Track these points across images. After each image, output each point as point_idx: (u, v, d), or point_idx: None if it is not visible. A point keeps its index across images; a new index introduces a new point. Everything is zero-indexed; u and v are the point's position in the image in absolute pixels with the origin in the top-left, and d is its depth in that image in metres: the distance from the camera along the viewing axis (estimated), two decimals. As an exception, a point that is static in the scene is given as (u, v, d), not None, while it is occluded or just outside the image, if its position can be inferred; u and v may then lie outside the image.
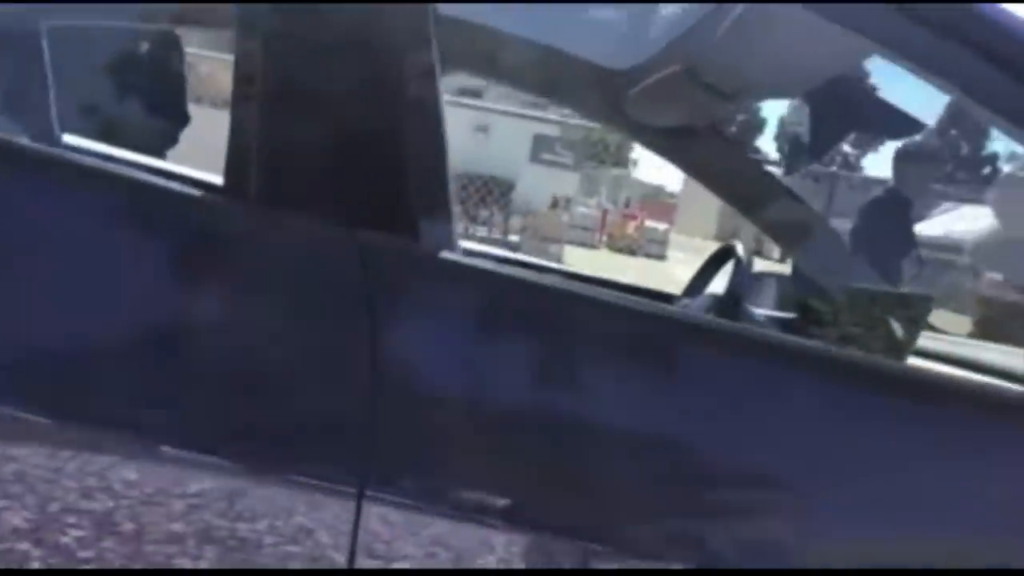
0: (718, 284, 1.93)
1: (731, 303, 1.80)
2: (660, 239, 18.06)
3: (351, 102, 0.94)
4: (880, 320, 1.60)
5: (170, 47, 3.22)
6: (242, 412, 0.88)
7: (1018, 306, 4.38)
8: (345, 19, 0.96)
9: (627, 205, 21.02)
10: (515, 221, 14.65)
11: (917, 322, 1.54)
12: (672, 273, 15.11)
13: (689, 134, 1.96)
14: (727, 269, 1.92)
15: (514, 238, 13.58)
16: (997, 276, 4.44)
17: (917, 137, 3.99)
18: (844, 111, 1.67)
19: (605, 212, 18.53)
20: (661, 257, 17.36)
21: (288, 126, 0.94)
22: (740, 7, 1.34)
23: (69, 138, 2.15)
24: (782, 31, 1.36)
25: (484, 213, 14.88)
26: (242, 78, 0.94)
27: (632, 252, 17.21)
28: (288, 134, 0.93)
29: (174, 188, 0.96)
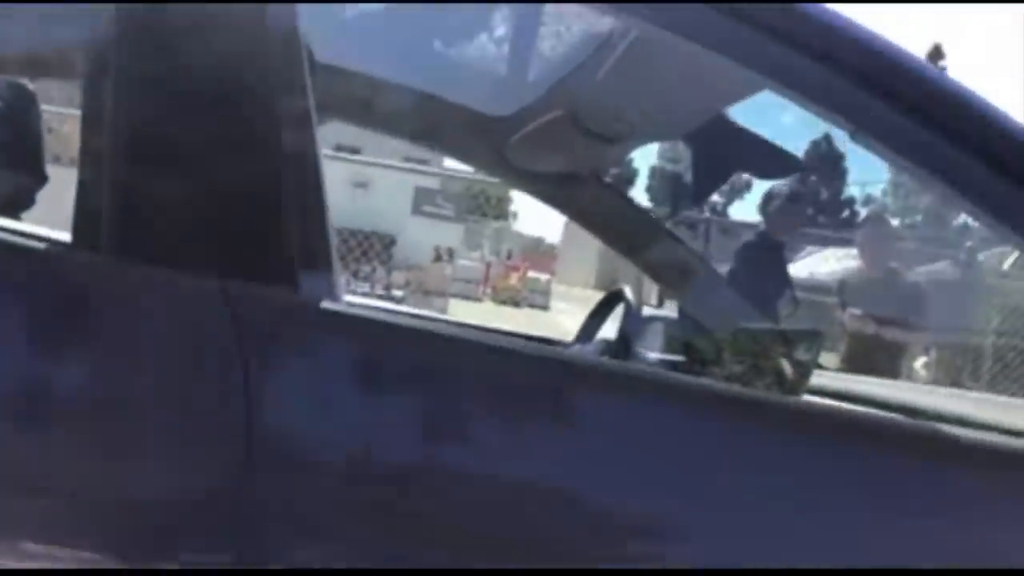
0: (608, 329, 1.91)
1: (622, 347, 1.79)
2: (543, 289, 18.26)
3: (220, 152, 0.87)
4: (770, 358, 1.60)
5: (25, 102, 3.05)
6: (103, 490, 0.79)
7: (881, 338, 4.58)
8: (216, 64, 0.89)
9: (509, 257, 21.19)
10: (398, 276, 14.57)
11: (810, 359, 1.54)
12: (557, 322, 15.25)
13: (572, 180, 1.95)
14: (616, 314, 1.91)
15: (398, 293, 13.47)
16: (857, 311, 4.65)
17: (783, 181, 4.13)
18: (726, 153, 1.69)
19: (488, 264, 18.63)
20: (545, 308, 17.54)
21: (147, 177, 0.86)
22: (621, 48, 1.33)
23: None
24: (662, 68, 1.36)
25: (366, 268, 14.74)
26: (93, 123, 0.87)
27: (516, 304, 17.31)
28: (146, 185, 0.86)
29: (20, 243, 0.87)
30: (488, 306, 16.61)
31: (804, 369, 1.54)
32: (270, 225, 0.88)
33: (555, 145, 1.83)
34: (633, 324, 1.79)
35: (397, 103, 1.87)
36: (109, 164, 0.85)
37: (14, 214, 3.08)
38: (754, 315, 2.20)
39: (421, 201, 14.39)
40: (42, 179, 3.15)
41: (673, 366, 1.94)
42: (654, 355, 1.90)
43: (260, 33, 0.89)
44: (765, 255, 4.04)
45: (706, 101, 1.50)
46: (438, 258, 14.94)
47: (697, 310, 2.05)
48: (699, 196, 1.98)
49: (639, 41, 1.30)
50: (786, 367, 1.63)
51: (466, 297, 15.76)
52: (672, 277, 2.02)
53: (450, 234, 14.45)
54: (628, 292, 1.84)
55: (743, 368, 1.76)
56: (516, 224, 26.45)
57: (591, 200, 2.00)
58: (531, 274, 18.73)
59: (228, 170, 0.88)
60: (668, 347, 2.09)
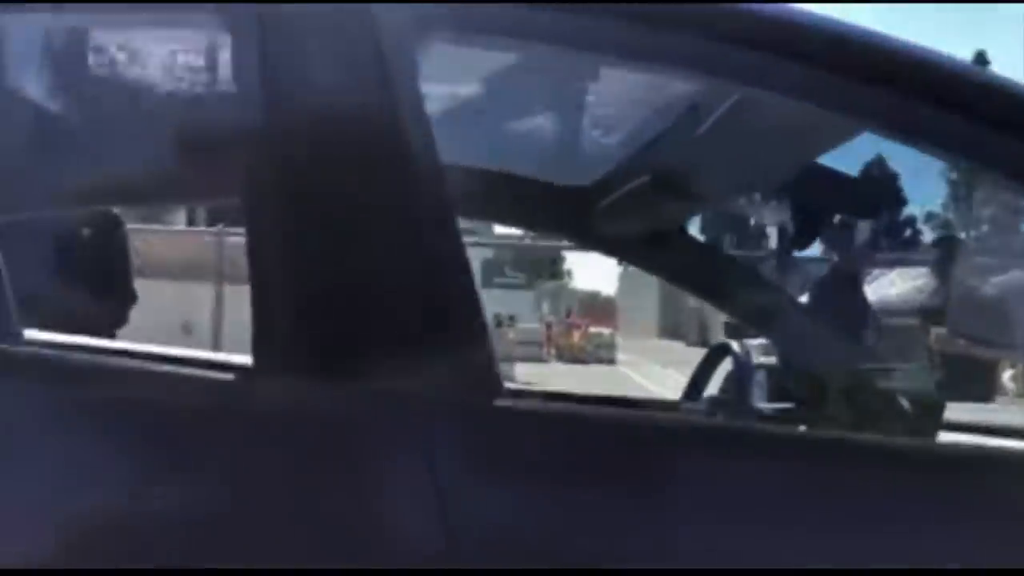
0: (715, 384, 1.92)
1: (736, 400, 1.79)
2: (607, 343, 18.17)
3: (395, 265, 0.91)
4: (891, 399, 1.59)
5: (112, 227, 3.18)
6: None
7: (971, 356, 4.49)
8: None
9: (568, 315, 21.18)
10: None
11: (933, 393, 1.53)
12: (625, 376, 15.15)
13: (660, 240, 1.98)
14: (722, 367, 1.92)
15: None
16: (942, 331, 4.54)
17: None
18: (826, 196, 1.70)
19: (549, 324, 18.63)
20: (611, 362, 17.42)
21: (327, 295, 0.90)
22: (720, 111, 1.36)
23: (30, 333, 2.08)
24: (763, 126, 1.38)
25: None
26: (261, 245, 0.91)
27: (582, 361, 17.24)
28: (326, 303, 0.90)
29: (192, 373, 0.91)
30: (555, 366, 16.57)
31: (933, 405, 1.52)
32: (443, 328, 0.91)
33: (642, 208, 1.85)
34: (745, 377, 1.80)
35: (478, 187, 1.92)
36: (284, 286, 0.89)
37: (110, 333, 3.20)
38: (852, 351, 2.17)
39: (491, 274, 14.49)
40: (132, 298, 3.27)
41: (785, 414, 1.93)
42: (768, 406, 1.90)
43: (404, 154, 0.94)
44: (843, 287, 4.00)
45: (805, 151, 1.52)
46: (499, 324, 14.99)
47: (796, 352, 2.05)
48: (803, 241, 1.99)
49: (740, 104, 1.33)
50: (906, 405, 1.61)
51: (531, 360, 15.73)
52: (768, 322, 2.02)
53: (522, 302, 14.47)
54: (735, 345, 1.85)
55: (861, 410, 1.74)
56: (572, 282, 26.49)
57: (680, 256, 2.01)
58: (593, 329, 18.68)
59: (403, 280, 0.91)
60: (772, 394, 2.08)
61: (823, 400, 1.88)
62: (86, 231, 2.90)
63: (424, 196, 0.93)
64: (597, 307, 22.59)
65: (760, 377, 2.05)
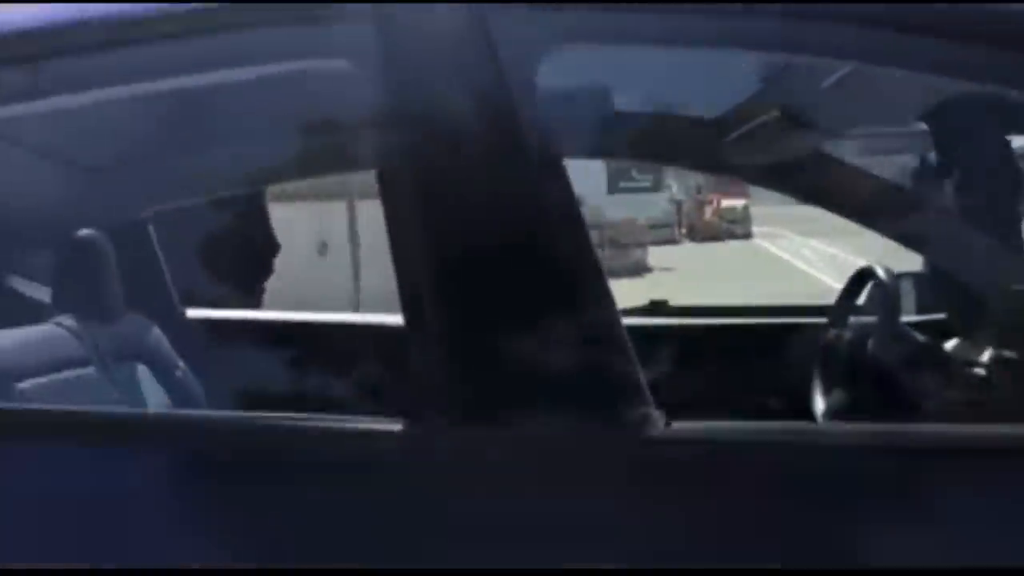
0: (863, 305, 1.87)
1: (887, 328, 1.74)
2: (741, 217, 17.59)
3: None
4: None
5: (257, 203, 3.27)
6: None
7: None
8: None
9: (699, 191, 20.71)
10: (594, 235, 14.50)
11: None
12: (764, 250, 14.78)
13: (797, 165, 1.92)
14: (867, 289, 1.86)
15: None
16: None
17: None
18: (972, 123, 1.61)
19: (679, 204, 18.24)
20: (747, 236, 16.96)
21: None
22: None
23: (191, 312, 2.21)
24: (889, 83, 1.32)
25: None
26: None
27: (716, 238, 16.87)
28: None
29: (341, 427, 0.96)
30: (688, 246, 16.35)
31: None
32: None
33: (773, 140, 1.80)
34: (892, 302, 1.75)
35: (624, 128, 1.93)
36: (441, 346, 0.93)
37: (260, 287, 3.34)
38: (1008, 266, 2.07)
39: (617, 179, 14.30)
40: (276, 248, 3.39)
41: (935, 327, 1.88)
42: (910, 318, 1.85)
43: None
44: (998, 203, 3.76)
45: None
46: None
47: (949, 266, 1.97)
48: (950, 167, 1.91)
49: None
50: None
51: (664, 242, 15.54)
52: (920, 239, 1.95)
53: (651, 205, 14.21)
54: (878, 268, 1.79)
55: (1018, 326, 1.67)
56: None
57: (820, 179, 1.95)
58: (725, 203, 18.13)
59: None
60: (919, 306, 2.02)
61: (978, 315, 1.82)
62: (229, 210, 2.99)
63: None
64: (728, 179, 21.99)
65: (910, 289, 1.99)
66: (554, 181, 0.98)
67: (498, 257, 0.96)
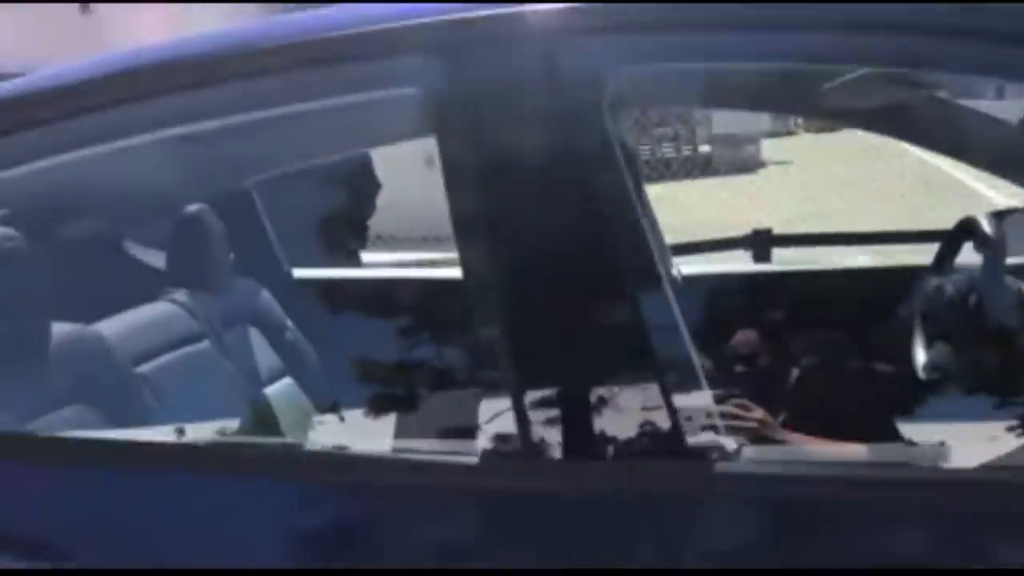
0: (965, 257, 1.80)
1: (991, 282, 1.68)
2: (859, 105, 16.82)
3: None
4: None
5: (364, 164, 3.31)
6: None
7: None
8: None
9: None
10: (702, 130, 14.14)
11: None
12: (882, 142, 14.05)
13: (900, 110, 1.84)
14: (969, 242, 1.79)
15: (705, 148, 13.11)
16: None
17: None
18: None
19: (793, 92, 17.49)
20: (866, 125, 16.18)
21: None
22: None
23: (298, 272, 2.29)
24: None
25: (669, 131, 14.43)
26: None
27: (832, 129, 16.16)
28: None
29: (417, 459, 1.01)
30: (805, 138, 15.76)
31: None
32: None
33: (872, 89, 1.73)
34: (994, 248, 1.67)
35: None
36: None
37: (364, 226, 3.42)
38: None
39: None
40: (377, 186, 3.45)
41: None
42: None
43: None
44: None
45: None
46: (739, 101, 14.27)
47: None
48: None
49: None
50: None
51: (777, 134, 15.02)
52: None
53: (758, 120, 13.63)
54: (982, 218, 1.71)
55: None
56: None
57: (927, 122, 1.87)
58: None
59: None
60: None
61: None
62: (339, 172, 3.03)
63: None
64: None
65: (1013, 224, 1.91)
66: (623, 213, 1.00)
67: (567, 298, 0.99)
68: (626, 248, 1.01)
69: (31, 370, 1.44)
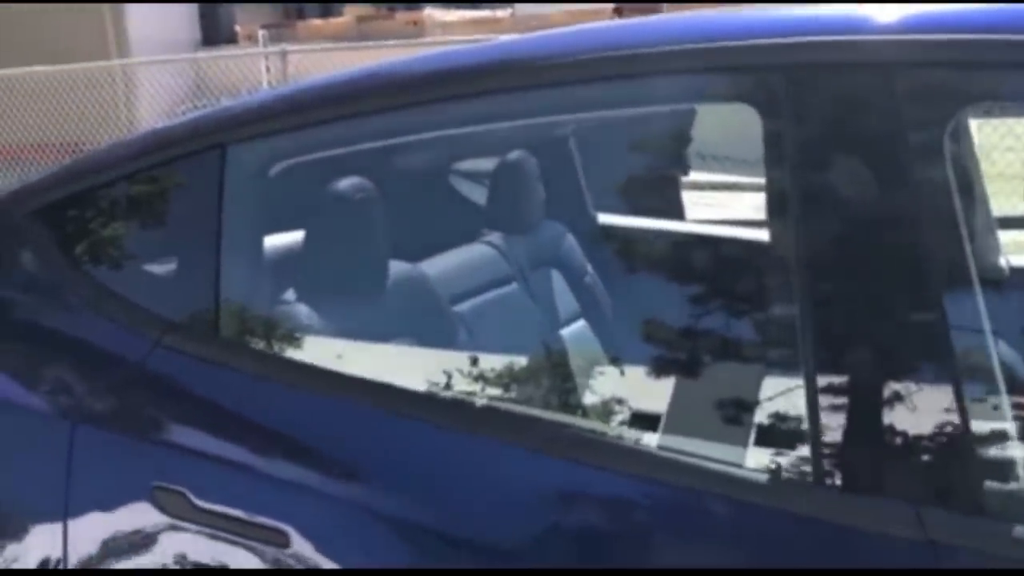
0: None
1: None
2: None
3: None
4: None
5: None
6: None
7: None
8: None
9: None
10: None
11: None
12: None
13: None
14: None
15: None
16: None
17: None
18: None
19: None
20: None
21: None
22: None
23: (603, 217, 2.38)
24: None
25: None
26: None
27: None
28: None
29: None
30: None
31: None
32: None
33: None
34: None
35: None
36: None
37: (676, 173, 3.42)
38: None
39: None
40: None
41: None
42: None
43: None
44: None
45: None
46: None
47: None
48: None
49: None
50: None
51: None
52: None
53: None
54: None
55: None
56: None
57: None
58: None
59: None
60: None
61: None
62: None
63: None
64: None
65: None
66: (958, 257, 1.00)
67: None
68: (940, 251, 1.01)
69: (374, 307, 1.63)
